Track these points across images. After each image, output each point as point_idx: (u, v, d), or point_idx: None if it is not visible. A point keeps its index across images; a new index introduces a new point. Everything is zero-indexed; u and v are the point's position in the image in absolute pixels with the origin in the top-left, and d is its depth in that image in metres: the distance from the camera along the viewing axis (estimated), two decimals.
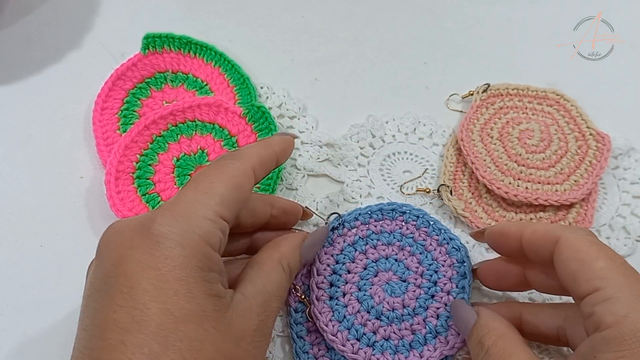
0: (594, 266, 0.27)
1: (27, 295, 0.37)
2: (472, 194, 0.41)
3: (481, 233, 0.35)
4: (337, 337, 0.33)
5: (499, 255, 0.35)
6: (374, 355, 0.33)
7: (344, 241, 0.37)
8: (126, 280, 0.25)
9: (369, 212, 0.38)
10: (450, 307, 0.34)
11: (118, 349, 0.24)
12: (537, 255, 0.30)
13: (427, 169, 0.43)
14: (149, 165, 0.40)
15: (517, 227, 0.31)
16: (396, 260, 0.36)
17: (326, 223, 0.38)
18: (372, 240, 0.37)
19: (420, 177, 0.42)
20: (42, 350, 0.35)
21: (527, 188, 0.40)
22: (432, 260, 0.36)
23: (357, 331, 0.34)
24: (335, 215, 0.37)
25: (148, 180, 0.40)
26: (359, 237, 0.37)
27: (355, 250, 0.37)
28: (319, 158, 0.42)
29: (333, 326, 0.34)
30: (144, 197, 0.39)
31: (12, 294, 0.37)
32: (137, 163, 0.40)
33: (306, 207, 0.37)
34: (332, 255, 0.36)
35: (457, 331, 0.34)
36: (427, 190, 0.41)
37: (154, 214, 0.26)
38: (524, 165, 0.41)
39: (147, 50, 0.44)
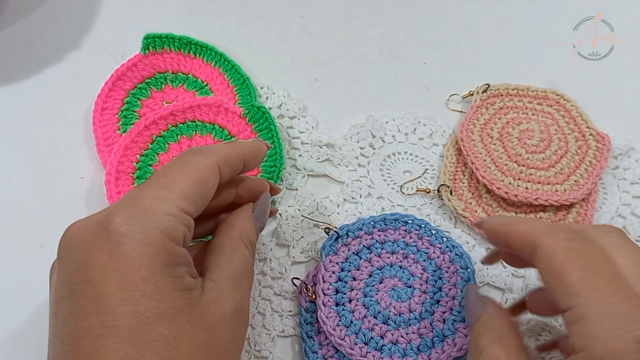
0: (566, 280, 0.25)
1: (27, 295, 0.37)
2: (472, 194, 0.41)
3: (480, 224, 0.33)
4: (344, 341, 0.33)
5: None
6: (382, 358, 0.33)
7: (349, 250, 0.37)
8: (91, 286, 0.24)
9: (372, 222, 0.38)
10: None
11: (92, 355, 0.23)
12: (527, 260, 0.28)
13: (427, 169, 0.42)
14: (149, 165, 0.40)
15: (504, 227, 0.30)
16: (401, 267, 0.37)
17: (326, 230, 0.38)
18: (376, 248, 0.37)
19: (420, 177, 0.42)
20: (43, 350, 0.35)
21: (527, 188, 0.40)
22: (436, 267, 0.37)
23: (364, 335, 0.34)
24: (331, 231, 0.37)
25: None
26: (364, 246, 0.37)
27: (360, 258, 0.37)
28: (319, 158, 0.42)
29: (340, 331, 0.34)
30: None
31: (12, 294, 0.37)
32: (137, 163, 0.40)
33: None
34: (337, 263, 0.36)
35: (465, 333, 0.34)
36: (427, 190, 0.41)
37: (111, 212, 0.25)
38: (524, 165, 0.41)
39: (147, 51, 0.44)
